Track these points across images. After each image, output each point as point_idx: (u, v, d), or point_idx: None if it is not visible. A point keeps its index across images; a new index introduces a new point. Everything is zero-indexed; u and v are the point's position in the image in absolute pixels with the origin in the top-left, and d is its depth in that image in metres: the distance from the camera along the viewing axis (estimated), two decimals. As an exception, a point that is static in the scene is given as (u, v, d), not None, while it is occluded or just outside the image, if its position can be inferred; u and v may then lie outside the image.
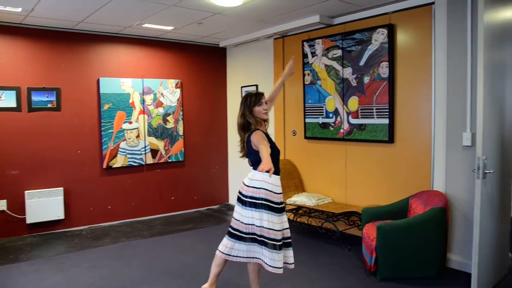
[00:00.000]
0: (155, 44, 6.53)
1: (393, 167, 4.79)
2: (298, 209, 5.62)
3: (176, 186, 6.77)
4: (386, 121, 4.75)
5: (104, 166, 6.11)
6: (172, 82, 6.66)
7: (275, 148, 3.30)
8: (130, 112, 6.29)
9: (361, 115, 5.04)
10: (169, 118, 6.66)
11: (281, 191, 3.31)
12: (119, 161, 6.21)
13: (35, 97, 5.56)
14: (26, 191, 5.52)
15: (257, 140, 3.15)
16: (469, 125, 3.98)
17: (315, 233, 5.44)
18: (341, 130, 5.31)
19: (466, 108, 4.00)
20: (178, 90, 6.73)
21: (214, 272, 3.47)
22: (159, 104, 6.55)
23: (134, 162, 6.35)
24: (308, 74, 5.72)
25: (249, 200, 3.24)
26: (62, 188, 5.77)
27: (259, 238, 3.20)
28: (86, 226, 6.04)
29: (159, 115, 6.55)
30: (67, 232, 5.77)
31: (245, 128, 3.34)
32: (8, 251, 4.98)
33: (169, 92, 6.62)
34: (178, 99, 6.73)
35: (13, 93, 5.39)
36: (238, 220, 3.31)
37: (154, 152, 6.53)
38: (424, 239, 3.86)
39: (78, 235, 5.66)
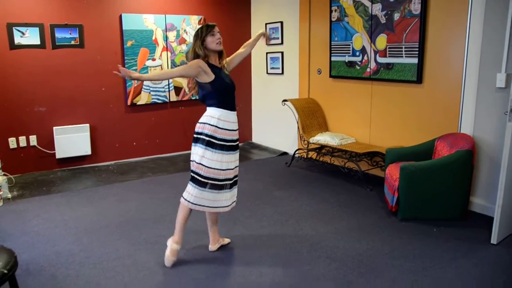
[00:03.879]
0: (177, -22, 6.35)
1: (419, 109, 4.69)
2: (321, 148, 5.63)
3: (199, 124, 6.80)
4: (415, 60, 4.60)
5: (129, 103, 6.16)
6: (195, 19, 6.52)
7: (223, 82, 3.13)
8: (153, 49, 6.23)
9: (389, 53, 4.89)
10: (192, 55, 6.57)
11: (234, 128, 3.18)
12: (143, 99, 6.25)
13: (58, 34, 5.54)
14: (54, 127, 5.65)
15: (185, 65, 3.12)
16: (504, 65, 3.81)
17: (338, 173, 5.48)
18: (368, 69, 5.17)
19: (503, 47, 3.81)
20: (201, 27, 6.59)
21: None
22: (182, 41, 6.46)
23: (158, 99, 6.38)
24: (335, 10, 5.51)
25: (195, 136, 3.17)
26: (88, 124, 5.88)
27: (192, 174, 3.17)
28: (112, 162, 6.20)
29: (182, 52, 6.47)
30: (94, 167, 5.95)
31: None
32: (41, 184, 5.19)
33: (192, 29, 6.49)
34: (201, 36, 6.61)
35: (36, 30, 5.38)
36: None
37: (178, 89, 6.53)
38: (448, 181, 3.84)
39: (105, 170, 5.83)
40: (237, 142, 3.27)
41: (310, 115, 5.80)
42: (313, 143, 5.51)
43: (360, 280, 2.95)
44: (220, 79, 3.13)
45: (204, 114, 3.18)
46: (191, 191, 3.16)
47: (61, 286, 2.91)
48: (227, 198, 3.22)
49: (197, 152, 3.14)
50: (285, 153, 6.67)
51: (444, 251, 3.37)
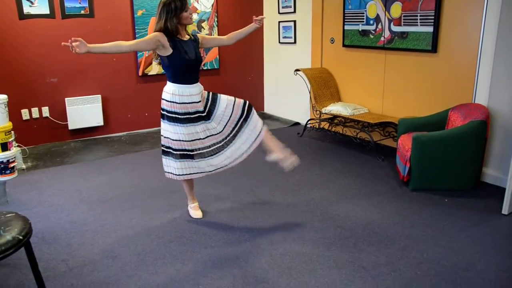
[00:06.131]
0: None
1: (434, 79, 4.61)
2: (333, 119, 5.59)
3: (211, 95, 6.78)
4: (430, 29, 4.49)
5: (140, 73, 6.15)
6: (205, -14, 6.42)
7: (182, 57, 3.07)
8: (164, 18, 6.15)
9: (403, 22, 4.78)
10: (203, 24, 6.51)
11: (195, 100, 3.15)
12: (154, 69, 6.22)
13: (68, 3, 5.49)
14: (66, 98, 5.67)
15: (144, 37, 3.07)
16: (522, 33, 3.71)
17: (350, 143, 5.45)
18: (382, 38, 5.07)
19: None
20: (212, -5, 6.50)
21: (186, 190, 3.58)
22: (193, 10, 6.38)
23: (169, 70, 6.34)
24: (349, -23, 5.38)
25: (161, 111, 3.22)
26: (100, 95, 5.89)
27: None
28: (124, 133, 6.24)
29: (193, 21, 6.40)
30: (107, 138, 6.00)
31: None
32: (55, 155, 5.25)
33: (203, -3, 6.41)
34: (212, 5, 6.52)
35: (46, -1, 5.34)
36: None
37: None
38: (461, 152, 3.80)
39: (118, 141, 5.87)
40: (206, 112, 3.22)
41: (323, 85, 5.75)
42: (325, 113, 5.48)
43: (371, 248, 2.97)
44: (179, 54, 3.07)
45: (164, 88, 3.21)
46: (171, 164, 3.26)
47: (75, 254, 2.97)
48: (228, 156, 3.26)
49: (165, 128, 3.21)
50: (297, 123, 6.65)
51: (455, 220, 3.37)
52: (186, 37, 3.18)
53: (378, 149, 5.00)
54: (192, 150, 3.20)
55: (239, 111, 3.28)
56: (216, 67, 6.77)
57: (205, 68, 6.64)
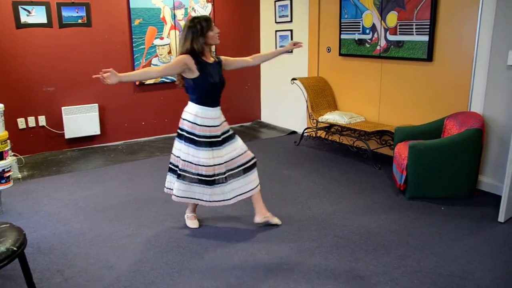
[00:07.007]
0: (184, -45, 6.25)
1: (429, 87, 4.63)
2: (330, 127, 5.60)
3: (208, 103, 6.78)
4: (425, 38, 4.52)
5: (137, 82, 6.16)
6: (202, -4, 6.45)
7: (207, 80, 3.08)
8: (161, 27, 6.19)
9: (399, 31, 4.81)
10: (200, 34, 6.53)
11: (215, 124, 3.18)
12: (151, 78, 6.23)
13: (65, 13, 5.51)
14: (63, 107, 5.67)
15: (171, 62, 3.07)
16: (516, 42, 3.74)
17: (347, 151, 5.46)
18: (378, 47, 5.10)
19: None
20: (210, 5, 6.53)
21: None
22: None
23: (167, 78, 6.36)
24: (345, -13, 5.42)
25: (178, 131, 3.23)
26: (97, 104, 5.89)
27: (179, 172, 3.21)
28: (121, 142, 6.24)
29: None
30: (103, 147, 5.99)
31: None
32: (51, 164, 5.24)
33: (201, 7, 6.43)
34: (209, 14, 6.56)
35: (43, 9, 5.35)
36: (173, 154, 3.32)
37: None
38: (457, 160, 3.81)
39: (114, 150, 5.86)
40: (223, 137, 3.23)
41: (319, 94, 5.76)
42: (322, 122, 5.49)
43: (368, 257, 2.97)
44: (205, 77, 3.08)
45: (185, 108, 3.21)
46: (179, 187, 3.21)
47: (71, 264, 2.95)
48: (224, 192, 3.24)
49: (181, 149, 3.20)
50: (294, 132, 6.65)
51: (452, 229, 3.37)
52: (211, 60, 3.19)
53: (375, 157, 5.01)
54: (212, 176, 3.18)
55: (245, 159, 3.29)
56: (213, 76, 6.77)
57: (202, 77, 6.64)
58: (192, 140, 3.15)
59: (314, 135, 5.87)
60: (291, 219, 3.60)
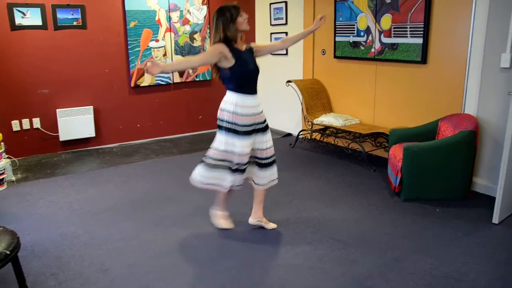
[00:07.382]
0: (179, -43, 6.25)
1: (424, 89, 4.65)
2: (325, 129, 5.61)
3: (203, 105, 6.79)
4: (420, 40, 4.54)
5: (132, 84, 6.15)
6: (197, -2, 6.46)
7: (244, 68, 3.08)
8: (157, 30, 6.19)
9: (393, 34, 4.83)
10: (196, 36, 6.54)
11: (256, 112, 3.17)
12: (146, 80, 6.23)
13: (60, 15, 5.49)
14: (57, 110, 5.65)
15: (207, 51, 3.03)
16: (509, 45, 3.75)
17: (341, 153, 5.47)
18: (372, 50, 5.12)
19: (508, 28, 3.75)
20: (205, 7, 6.54)
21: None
22: (185, 22, 6.41)
23: (162, 80, 6.36)
24: (340, -11, 5.43)
25: (218, 122, 3.18)
26: (91, 106, 5.87)
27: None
28: (116, 144, 6.22)
29: (185, 33, 6.43)
30: (98, 149, 5.97)
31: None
32: (45, 166, 5.21)
33: (196, 9, 6.44)
34: (205, 17, 6.56)
35: (38, 11, 5.33)
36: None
37: (181, 71, 6.50)
38: (451, 161, 3.83)
39: (109, 152, 5.85)
40: (265, 123, 3.27)
41: (314, 96, 5.77)
42: (317, 124, 5.50)
43: (363, 259, 2.97)
44: (241, 64, 3.06)
45: (223, 98, 3.17)
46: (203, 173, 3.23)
47: (65, 267, 2.94)
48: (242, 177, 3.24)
49: (221, 140, 3.15)
50: (289, 134, 6.66)
51: (447, 230, 3.38)
52: (243, 47, 3.18)
53: (370, 159, 5.02)
54: (229, 162, 3.16)
55: (268, 154, 3.30)
56: (208, 79, 6.77)
57: (196, 79, 6.65)
58: (232, 130, 3.09)
59: (309, 137, 5.88)
60: (287, 222, 3.60)
